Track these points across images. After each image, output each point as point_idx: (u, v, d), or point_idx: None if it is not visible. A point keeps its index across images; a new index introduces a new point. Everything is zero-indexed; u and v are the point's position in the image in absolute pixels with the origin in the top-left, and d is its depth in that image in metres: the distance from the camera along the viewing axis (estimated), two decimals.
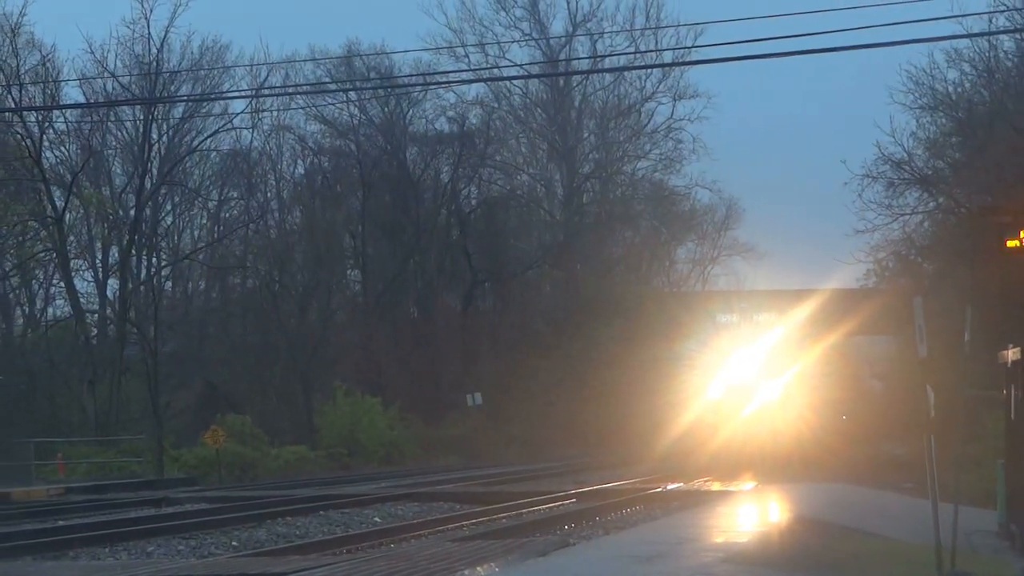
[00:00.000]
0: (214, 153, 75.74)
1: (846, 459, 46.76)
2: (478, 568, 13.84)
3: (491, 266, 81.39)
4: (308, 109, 79.27)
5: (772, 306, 57.35)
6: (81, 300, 67.15)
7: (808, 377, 45.01)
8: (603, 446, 61.22)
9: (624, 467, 47.23)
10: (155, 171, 70.24)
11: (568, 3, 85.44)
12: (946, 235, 51.66)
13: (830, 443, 44.08)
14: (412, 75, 76.89)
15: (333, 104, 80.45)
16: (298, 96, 76.23)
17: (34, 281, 72.30)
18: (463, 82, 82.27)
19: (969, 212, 47.38)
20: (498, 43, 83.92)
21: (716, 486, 32.06)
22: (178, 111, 72.09)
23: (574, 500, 29.94)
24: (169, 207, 77.01)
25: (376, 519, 27.83)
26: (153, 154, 70.00)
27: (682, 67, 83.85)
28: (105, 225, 71.72)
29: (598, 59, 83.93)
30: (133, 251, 68.79)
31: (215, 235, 77.06)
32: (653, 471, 42.94)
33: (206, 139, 72.78)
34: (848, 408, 53.75)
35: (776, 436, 41.90)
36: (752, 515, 21.50)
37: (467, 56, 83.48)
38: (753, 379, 43.90)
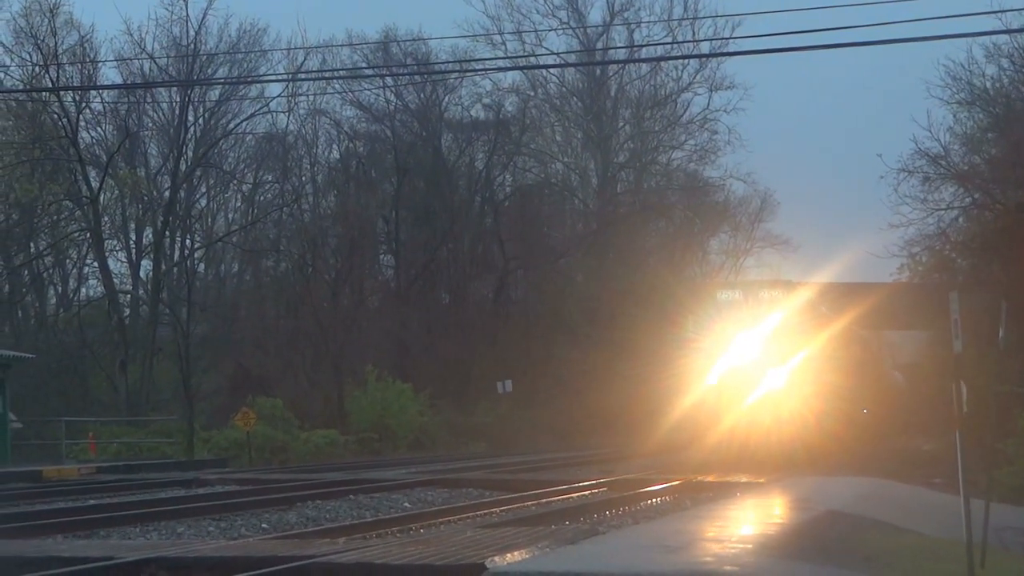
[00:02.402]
0: (250, 136, 76.20)
1: (867, 453, 46.20)
2: (507, 555, 13.84)
3: (524, 254, 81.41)
4: (344, 94, 79.58)
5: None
6: (114, 280, 67.53)
7: (821, 363, 41.67)
8: (632, 435, 61.12)
9: (651, 457, 46.95)
10: (190, 153, 70.55)
11: None
12: (982, 231, 51.40)
13: (845, 436, 41.73)
14: (449, 61, 77.02)
15: (369, 89, 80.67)
16: (334, 81, 76.48)
17: (68, 261, 72.82)
18: (499, 69, 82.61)
19: (1005, 208, 47.19)
20: (535, 31, 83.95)
21: (741, 478, 31.44)
22: (214, 94, 72.44)
23: (604, 489, 29.93)
24: (204, 189, 77.38)
25: (405, 504, 27.84)
26: (189, 136, 70.35)
27: (719, 58, 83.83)
28: (140, 206, 72.14)
29: (635, 48, 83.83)
30: (167, 233, 69.08)
31: (249, 218, 77.33)
32: (665, 464, 41.46)
33: (242, 122, 73.20)
34: (868, 400, 52.65)
35: (785, 426, 39.29)
36: (780, 507, 21.46)
37: (504, 44, 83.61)
38: (760, 364, 40.77)
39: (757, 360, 40.09)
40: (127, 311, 69.10)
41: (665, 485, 29.41)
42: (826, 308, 46.48)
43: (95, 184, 64.20)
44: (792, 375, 39.79)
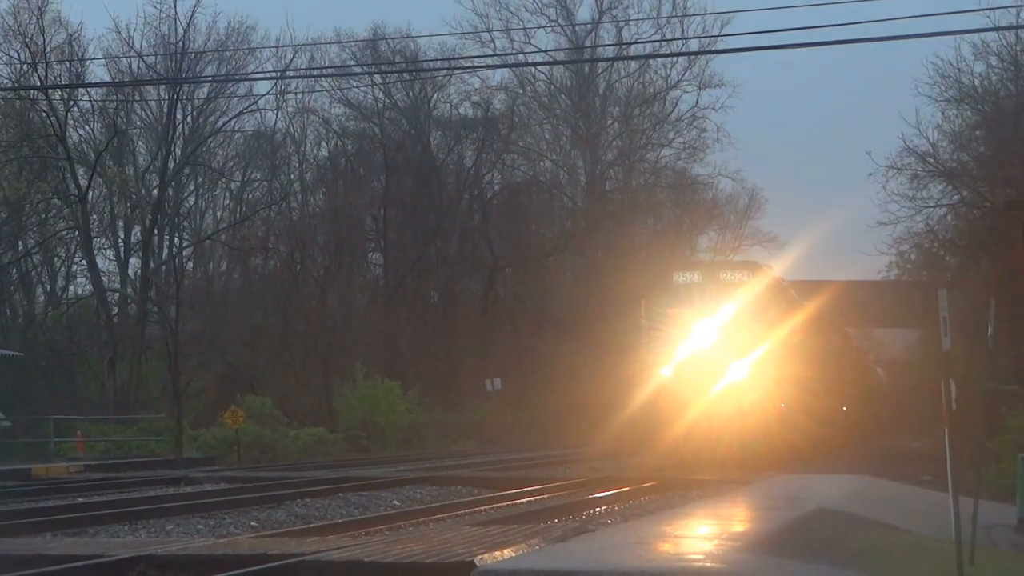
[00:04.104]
0: (238, 134, 76.08)
1: (841, 451, 45.69)
2: (497, 552, 13.84)
3: (512, 252, 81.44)
4: (333, 92, 79.54)
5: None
6: (103, 279, 67.40)
7: (789, 354, 37.40)
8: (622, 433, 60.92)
9: (641, 455, 46.64)
10: (179, 151, 70.43)
11: None
12: (970, 228, 51.53)
13: (816, 433, 38.82)
14: (437, 59, 77.00)
15: (358, 87, 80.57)
16: (323, 79, 76.39)
17: (56, 259, 72.64)
18: (488, 67, 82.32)
19: (993, 206, 47.28)
20: (524, 28, 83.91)
21: (729, 476, 30.84)
22: (203, 91, 72.25)
23: (590, 486, 29.87)
24: (192, 187, 77.28)
25: (395, 502, 27.85)
26: (177, 134, 70.16)
27: (707, 56, 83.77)
28: (128, 204, 72.03)
29: (624, 46, 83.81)
30: (155, 231, 68.95)
31: (237, 216, 77.21)
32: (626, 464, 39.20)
33: (230, 120, 73.04)
34: (847, 395, 51.49)
35: (748, 421, 35.22)
36: (768, 505, 21.47)
37: (492, 41, 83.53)
38: (720, 354, 36.18)
39: (717, 350, 36.36)
40: (115, 309, 68.95)
41: (652, 483, 29.40)
42: (796, 293, 43.40)
43: (83, 182, 64.10)
44: (756, 367, 36.15)
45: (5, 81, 62.54)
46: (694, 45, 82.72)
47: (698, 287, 37.39)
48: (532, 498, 27.19)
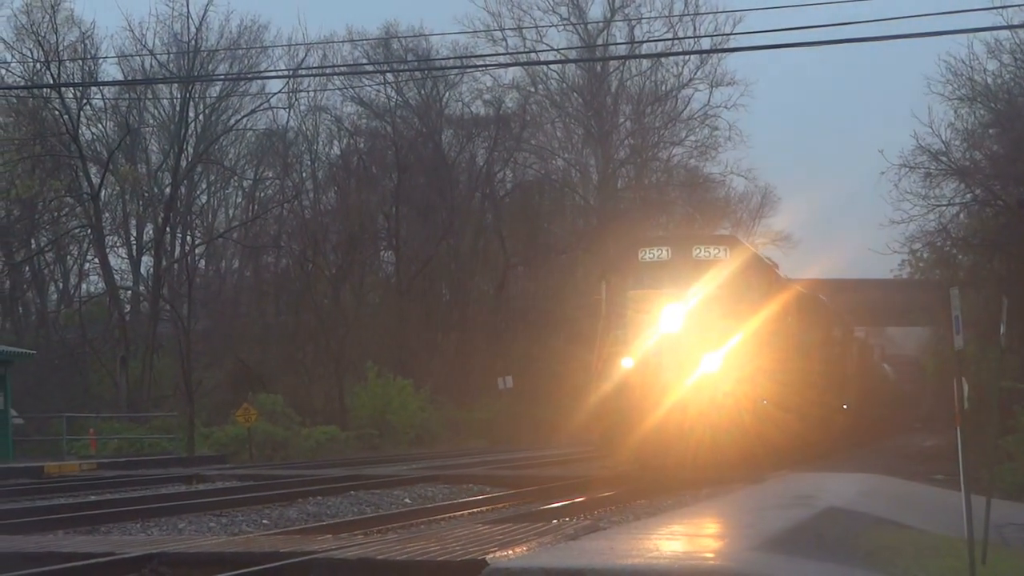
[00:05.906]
0: (250, 132, 76.07)
1: (843, 450, 45.40)
2: (509, 550, 13.84)
3: (524, 250, 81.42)
4: (345, 90, 79.44)
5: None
6: (115, 277, 67.54)
7: (771, 343, 33.41)
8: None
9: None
10: (191, 149, 70.47)
11: None
12: (983, 227, 51.41)
13: (810, 432, 36.83)
14: (449, 57, 76.97)
15: (370, 85, 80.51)
16: (335, 77, 76.35)
17: (69, 257, 72.74)
18: (500, 65, 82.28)
19: (1007, 204, 47.21)
20: (536, 27, 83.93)
21: (733, 474, 30.00)
22: (215, 90, 72.36)
23: (598, 486, 29.80)
24: (204, 185, 77.27)
25: (406, 500, 27.87)
26: (189, 132, 70.23)
27: (720, 54, 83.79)
28: (140, 202, 72.14)
29: (636, 45, 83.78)
30: (168, 229, 68.98)
31: (249, 214, 77.19)
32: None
33: (243, 118, 73.09)
34: (850, 392, 50.86)
35: (721, 417, 30.91)
36: (780, 503, 21.45)
37: (504, 40, 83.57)
38: (693, 342, 31.63)
39: (688, 338, 31.90)
40: (128, 307, 69.13)
41: (656, 483, 29.31)
42: (785, 273, 40.17)
43: (96, 180, 64.15)
44: (731, 357, 31.77)
45: (18, 79, 62.74)
46: (706, 43, 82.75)
47: (667, 265, 33.05)
48: (544, 496, 27.19)
